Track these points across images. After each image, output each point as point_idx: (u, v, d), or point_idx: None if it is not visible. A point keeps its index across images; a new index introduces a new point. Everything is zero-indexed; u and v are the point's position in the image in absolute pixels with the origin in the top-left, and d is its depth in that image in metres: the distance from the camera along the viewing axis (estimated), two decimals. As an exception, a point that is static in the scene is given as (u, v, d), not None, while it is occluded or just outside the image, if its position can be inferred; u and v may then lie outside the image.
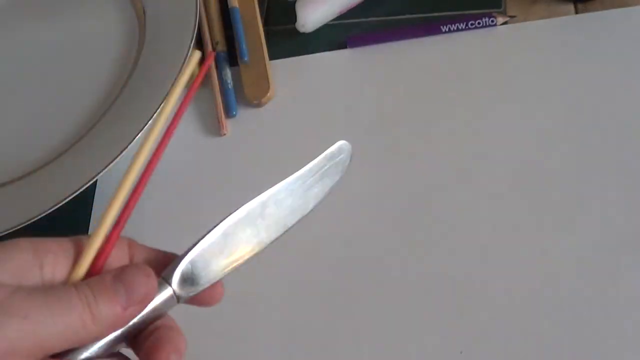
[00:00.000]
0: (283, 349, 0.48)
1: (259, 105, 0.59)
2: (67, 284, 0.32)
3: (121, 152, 0.52)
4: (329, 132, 0.57)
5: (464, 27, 0.59)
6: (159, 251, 0.36)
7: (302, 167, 0.38)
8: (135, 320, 0.32)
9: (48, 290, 0.31)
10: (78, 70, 0.64)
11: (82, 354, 0.31)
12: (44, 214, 0.52)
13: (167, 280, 0.34)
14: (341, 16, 0.62)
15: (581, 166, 0.51)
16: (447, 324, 0.47)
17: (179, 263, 0.34)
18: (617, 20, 0.56)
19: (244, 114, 0.59)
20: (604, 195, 0.49)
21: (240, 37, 0.62)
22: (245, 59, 0.61)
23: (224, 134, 0.59)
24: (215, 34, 0.63)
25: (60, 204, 0.52)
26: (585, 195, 0.49)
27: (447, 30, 0.59)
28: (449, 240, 0.50)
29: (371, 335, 0.47)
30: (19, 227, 0.52)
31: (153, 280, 0.32)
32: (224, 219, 0.36)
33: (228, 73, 0.61)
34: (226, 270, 0.35)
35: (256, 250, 0.36)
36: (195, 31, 0.57)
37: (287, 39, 0.62)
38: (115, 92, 0.59)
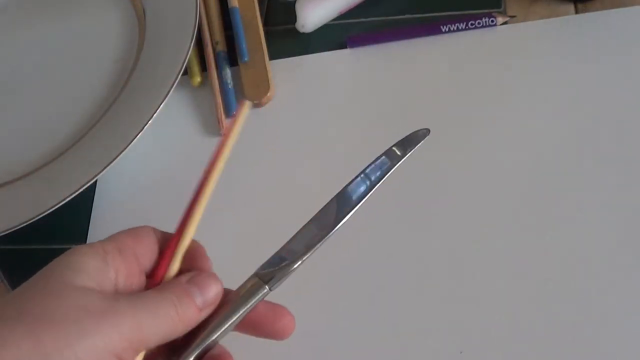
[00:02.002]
0: (283, 349, 0.48)
1: (259, 105, 0.59)
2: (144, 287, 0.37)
3: (121, 152, 0.52)
4: (329, 132, 0.57)
5: (464, 27, 0.59)
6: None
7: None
8: (242, 316, 0.37)
9: (142, 295, 0.35)
10: (78, 71, 0.64)
11: None
12: (44, 214, 0.52)
13: (259, 276, 0.38)
14: (341, 16, 0.62)
15: (581, 166, 0.51)
16: (447, 324, 0.47)
17: (268, 260, 0.39)
18: (617, 20, 0.56)
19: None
20: (604, 195, 0.49)
21: (240, 37, 0.62)
22: (245, 59, 0.61)
23: (224, 134, 0.59)
24: (215, 34, 0.63)
25: (60, 204, 0.52)
26: (585, 195, 0.49)
27: (447, 30, 0.59)
28: (449, 240, 0.50)
29: (371, 335, 0.47)
30: (19, 227, 0.52)
31: (220, 283, 0.37)
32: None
33: (228, 73, 0.61)
34: (298, 260, 0.39)
35: (319, 241, 0.39)
36: (195, 31, 0.57)
37: (287, 39, 0.62)
38: (115, 92, 0.60)
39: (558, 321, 0.45)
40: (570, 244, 0.48)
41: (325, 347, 0.48)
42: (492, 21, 0.58)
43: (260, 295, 0.38)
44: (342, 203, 0.40)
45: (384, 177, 0.41)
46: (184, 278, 0.37)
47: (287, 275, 0.38)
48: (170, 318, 0.35)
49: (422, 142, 0.43)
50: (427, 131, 0.43)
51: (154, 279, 0.37)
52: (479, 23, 0.58)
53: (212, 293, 0.36)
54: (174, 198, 0.57)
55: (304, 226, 0.40)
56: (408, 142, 0.43)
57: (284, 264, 0.38)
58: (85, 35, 0.66)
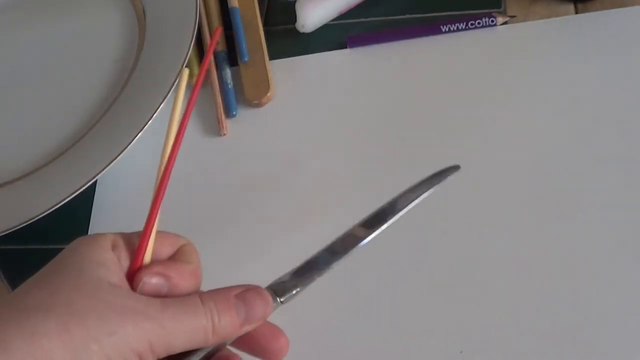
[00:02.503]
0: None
1: (259, 105, 0.59)
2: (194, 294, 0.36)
3: (121, 152, 0.52)
4: (329, 132, 0.57)
5: (464, 27, 0.59)
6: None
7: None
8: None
9: (177, 302, 0.35)
10: (78, 71, 0.64)
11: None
12: (44, 214, 0.52)
13: (276, 294, 0.38)
14: (341, 16, 0.62)
15: (581, 166, 0.51)
16: (447, 324, 0.47)
17: (285, 281, 0.39)
18: (617, 20, 0.56)
19: (244, 114, 0.59)
20: (604, 195, 0.49)
21: (240, 37, 0.62)
22: (245, 59, 0.61)
23: (224, 134, 0.59)
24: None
25: (60, 204, 0.52)
26: (585, 195, 0.49)
27: (447, 30, 0.59)
28: (449, 240, 0.50)
29: (371, 335, 0.47)
30: (19, 227, 0.52)
31: (271, 304, 0.37)
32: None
33: (228, 73, 0.61)
34: (313, 279, 0.40)
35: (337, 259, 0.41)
36: (195, 31, 0.57)
37: (287, 39, 0.62)
38: (115, 92, 0.60)
39: (558, 321, 0.45)
40: (571, 243, 0.48)
41: (326, 347, 0.48)
42: (492, 21, 0.58)
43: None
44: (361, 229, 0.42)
45: (405, 207, 0.43)
46: (234, 292, 0.36)
47: (298, 293, 0.38)
48: (203, 330, 0.34)
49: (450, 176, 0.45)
50: (457, 167, 0.45)
51: (132, 267, 0.36)
52: (479, 23, 0.58)
53: (259, 313, 0.36)
54: (174, 198, 0.57)
55: (319, 252, 0.41)
56: (437, 178, 0.45)
57: (295, 282, 0.39)
58: (85, 35, 0.66)
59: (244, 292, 0.36)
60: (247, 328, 0.36)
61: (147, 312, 0.33)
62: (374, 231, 0.42)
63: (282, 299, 0.38)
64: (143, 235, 0.37)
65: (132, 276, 0.36)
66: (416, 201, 0.43)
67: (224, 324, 0.35)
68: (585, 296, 0.46)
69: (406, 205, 0.42)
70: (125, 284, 0.35)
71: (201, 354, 0.36)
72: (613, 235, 0.48)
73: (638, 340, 0.44)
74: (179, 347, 0.34)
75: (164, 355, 0.34)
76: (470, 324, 0.46)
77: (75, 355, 0.31)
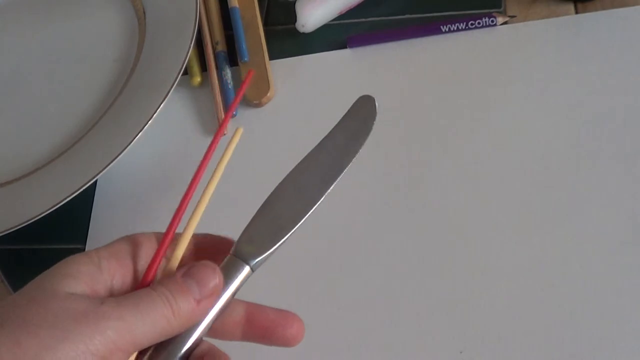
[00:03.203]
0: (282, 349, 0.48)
1: (259, 105, 0.59)
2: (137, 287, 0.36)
3: (121, 152, 0.52)
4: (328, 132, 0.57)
5: (464, 27, 0.59)
6: (202, 236, 0.39)
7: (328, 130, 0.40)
8: (223, 302, 0.35)
9: (131, 295, 0.34)
10: (78, 71, 0.64)
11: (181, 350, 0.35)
12: (44, 214, 0.52)
13: (237, 255, 0.36)
14: (341, 16, 0.62)
15: (581, 165, 0.51)
16: (447, 324, 0.47)
17: (241, 237, 0.37)
18: (617, 20, 0.56)
19: (244, 114, 0.59)
20: (604, 195, 0.49)
21: (240, 37, 0.62)
22: (245, 59, 0.61)
23: (224, 134, 0.59)
24: (215, 34, 0.63)
25: (60, 204, 0.52)
26: (585, 195, 0.49)
27: (447, 30, 0.59)
28: (449, 239, 0.50)
29: (371, 335, 0.47)
30: (19, 227, 0.52)
31: (219, 273, 0.35)
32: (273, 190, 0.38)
33: (228, 73, 0.61)
34: (284, 234, 0.36)
35: (306, 212, 0.37)
36: (195, 31, 0.57)
37: (287, 39, 0.62)
38: (115, 92, 0.60)
39: (558, 321, 0.45)
40: (571, 244, 0.48)
41: (325, 347, 0.48)
42: (492, 21, 0.58)
43: (240, 276, 0.36)
44: (322, 172, 0.38)
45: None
46: (179, 273, 0.35)
47: (270, 254, 0.36)
48: (163, 316, 0.34)
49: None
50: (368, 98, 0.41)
51: (144, 280, 0.36)
52: (479, 23, 0.58)
53: (210, 284, 0.35)
54: (174, 198, 0.57)
55: (276, 193, 0.38)
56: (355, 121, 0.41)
57: (265, 240, 0.36)
58: (85, 35, 0.66)
59: (189, 269, 0.35)
60: (205, 303, 0.35)
61: (103, 311, 0.33)
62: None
63: (252, 264, 0.36)
64: (161, 244, 0.37)
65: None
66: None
67: (180, 304, 0.34)
68: (585, 296, 0.46)
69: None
70: (97, 292, 0.35)
71: (180, 348, 0.35)
72: (613, 235, 0.48)
73: (638, 340, 0.44)
74: (144, 339, 0.33)
75: (133, 351, 0.33)
76: (470, 324, 0.46)
77: None
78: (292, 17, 0.61)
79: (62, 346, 0.31)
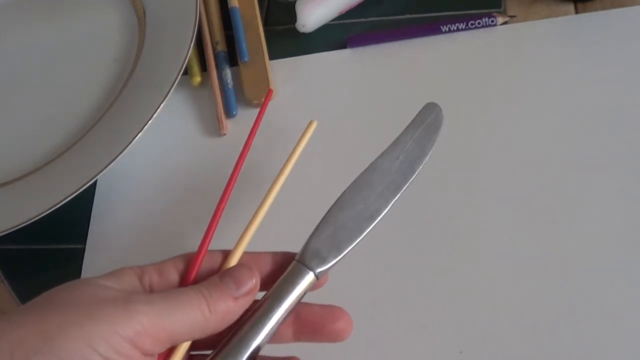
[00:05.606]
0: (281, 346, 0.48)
1: (259, 105, 0.59)
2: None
3: (121, 152, 0.52)
4: (329, 132, 0.57)
5: (464, 27, 0.59)
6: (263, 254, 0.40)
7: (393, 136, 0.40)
8: (288, 305, 0.36)
9: (165, 291, 0.35)
10: (78, 71, 0.64)
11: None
12: (44, 214, 0.52)
13: (302, 262, 0.37)
14: (341, 16, 0.62)
15: (581, 165, 0.51)
16: (447, 324, 0.47)
17: (306, 245, 0.37)
18: (617, 20, 0.56)
19: (244, 114, 0.59)
20: (604, 195, 0.49)
21: (240, 37, 0.62)
22: (245, 59, 0.61)
23: (224, 134, 0.59)
24: (215, 34, 0.63)
25: (60, 204, 0.52)
26: (585, 195, 0.49)
27: (447, 30, 0.59)
28: (449, 239, 0.50)
29: (370, 335, 0.47)
30: (19, 227, 0.52)
31: (256, 273, 0.36)
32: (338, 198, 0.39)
33: (228, 73, 0.61)
34: (350, 244, 0.37)
35: (372, 221, 0.38)
36: (195, 31, 0.57)
37: (287, 39, 0.62)
38: (115, 91, 0.60)
39: (558, 321, 0.45)
40: (571, 244, 0.48)
41: (326, 346, 0.48)
42: (492, 21, 0.58)
43: (305, 282, 0.36)
44: (388, 180, 0.39)
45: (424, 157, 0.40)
46: (218, 274, 0.36)
47: (335, 263, 0.36)
48: (197, 308, 0.34)
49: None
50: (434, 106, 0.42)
51: (182, 284, 0.37)
52: (479, 23, 0.58)
53: (248, 283, 0.36)
54: (174, 198, 0.58)
55: (341, 201, 0.38)
56: (423, 126, 0.42)
57: (331, 249, 0.37)
58: (85, 35, 0.66)
59: (227, 271, 0.37)
60: (243, 301, 0.36)
61: (133, 297, 0.33)
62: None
63: (317, 272, 0.36)
64: (198, 251, 0.38)
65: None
66: (425, 159, 0.40)
67: (218, 301, 0.35)
68: (585, 296, 0.46)
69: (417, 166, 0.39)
70: (133, 288, 0.36)
71: (244, 352, 0.35)
72: (614, 235, 0.48)
73: (638, 340, 0.44)
74: (176, 327, 0.34)
75: (167, 341, 0.34)
76: (470, 324, 0.46)
77: (47, 338, 0.31)
78: (292, 17, 0.61)
79: (88, 322, 0.32)
